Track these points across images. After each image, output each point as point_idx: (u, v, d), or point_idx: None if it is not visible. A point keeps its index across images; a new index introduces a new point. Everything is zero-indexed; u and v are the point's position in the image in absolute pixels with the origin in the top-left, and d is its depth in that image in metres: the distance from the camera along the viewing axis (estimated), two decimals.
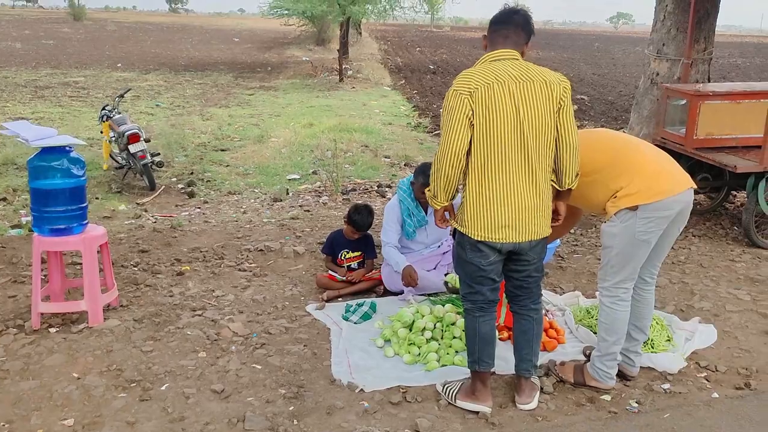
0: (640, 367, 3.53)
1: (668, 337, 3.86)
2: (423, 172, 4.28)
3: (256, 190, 7.73)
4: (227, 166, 8.76)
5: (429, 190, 3.15)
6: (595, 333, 3.86)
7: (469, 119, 2.92)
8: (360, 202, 4.99)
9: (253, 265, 5.03)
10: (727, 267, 5.09)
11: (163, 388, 3.34)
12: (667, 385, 3.45)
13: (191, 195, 7.35)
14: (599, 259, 5.13)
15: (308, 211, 6.79)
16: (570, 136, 3.04)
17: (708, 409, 3.25)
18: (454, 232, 3.22)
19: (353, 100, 15.32)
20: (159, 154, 8.11)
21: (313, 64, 21.58)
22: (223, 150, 9.68)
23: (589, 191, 3.25)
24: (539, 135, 2.97)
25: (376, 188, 7.85)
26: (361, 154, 9.57)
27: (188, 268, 4.94)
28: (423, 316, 3.91)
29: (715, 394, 3.37)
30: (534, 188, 3.01)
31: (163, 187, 7.58)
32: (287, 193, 7.53)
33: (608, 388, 3.38)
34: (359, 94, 16.63)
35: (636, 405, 3.28)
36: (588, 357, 3.69)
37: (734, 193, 6.59)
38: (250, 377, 3.46)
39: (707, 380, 3.52)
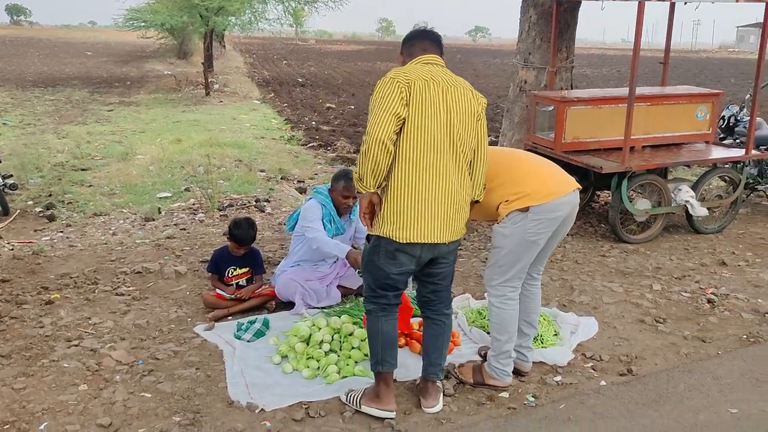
0: (533, 362, 3.65)
1: (555, 331, 4.02)
2: (344, 176, 4.33)
3: (125, 211, 7.28)
4: (90, 186, 8.21)
5: (355, 173, 3.02)
6: (488, 333, 3.95)
7: (404, 107, 2.89)
8: (240, 216, 4.83)
9: (131, 288, 4.72)
10: (600, 262, 5.40)
11: (42, 427, 3.05)
12: (558, 378, 3.59)
13: (51, 218, 6.81)
14: (484, 262, 5.33)
15: (184, 229, 6.50)
16: (485, 148, 3.16)
17: (598, 396, 3.41)
18: (368, 237, 3.16)
19: (222, 115, 14.93)
20: (11, 175, 7.45)
21: (177, 77, 20.85)
22: (84, 169, 9.06)
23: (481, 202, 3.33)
24: (465, 139, 3.04)
25: (254, 203, 7.66)
26: (235, 169, 9.31)
27: (58, 295, 4.55)
28: (320, 328, 3.83)
29: (603, 382, 3.55)
30: (462, 189, 3.06)
31: (18, 211, 6.97)
32: (159, 212, 7.17)
33: (506, 385, 3.47)
34: (228, 108, 16.23)
35: (533, 399, 3.38)
36: (484, 357, 3.77)
37: (598, 193, 7.02)
38: (139, 407, 3.23)
39: (594, 370, 3.70)
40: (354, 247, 4.45)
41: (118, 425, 3.08)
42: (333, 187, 4.49)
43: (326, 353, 3.68)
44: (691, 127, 6.40)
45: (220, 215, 7.05)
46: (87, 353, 3.74)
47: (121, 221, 6.84)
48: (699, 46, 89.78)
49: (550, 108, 6.06)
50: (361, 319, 3.98)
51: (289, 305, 4.41)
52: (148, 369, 3.58)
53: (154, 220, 6.91)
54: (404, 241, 2.97)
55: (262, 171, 9.36)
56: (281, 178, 9.00)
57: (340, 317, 3.96)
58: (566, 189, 3.25)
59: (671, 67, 6.99)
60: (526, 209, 3.17)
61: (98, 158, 9.86)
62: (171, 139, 11.44)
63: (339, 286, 4.55)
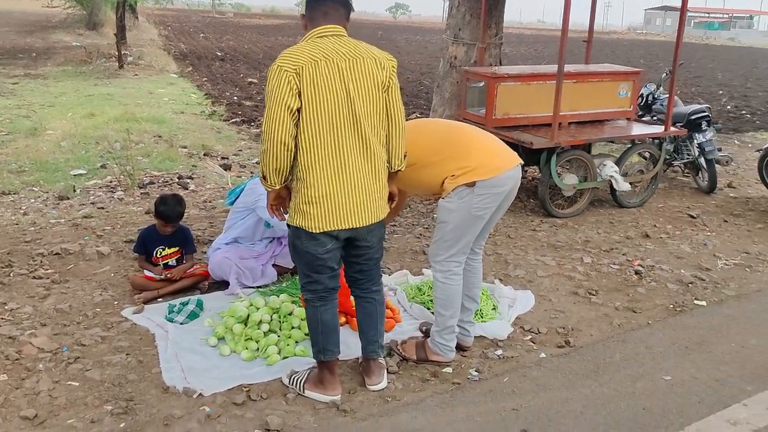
0: (473, 336, 3.66)
1: (494, 305, 4.05)
2: None
3: (36, 189, 6.85)
4: None
5: (259, 171, 2.93)
6: (428, 309, 3.96)
7: (295, 98, 2.75)
8: (167, 192, 4.57)
9: (49, 271, 4.43)
10: (531, 236, 5.48)
11: None
12: (499, 351, 3.61)
13: None
14: (418, 238, 5.32)
15: (102, 208, 6.17)
16: (399, 116, 3.00)
17: (539, 368, 3.45)
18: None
19: (138, 89, 14.29)
20: None
21: (87, 49, 19.77)
22: None
23: (423, 176, 3.27)
24: (371, 114, 2.88)
25: (177, 180, 7.38)
26: (154, 145, 8.93)
27: None
28: (258, 308, 3.71)
29: (543, 354, 3.60)
30: (372, 169, 2.92)
31: None
32: (74, 191, 6.79)
33: (449, 360, 3.46)
34: (143, 81, 15.55)
35: (476, 373, 3.39)
36: (425, 333, 3.76)
37: (526, 168, 7.12)
38: (66, 397, 3.03)
39: (533, 342, 3.74)
40: None
41: (44, 416, 2.88)
42: None
43: (265, 334, 3.57)
44: (613, 104, 6.57)
45: (141, 193, 6.75)
46: (5, 341, 3.48)
47: (32, 200, 6.44)
48: (609, 28, 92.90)
49: (481, 84, 6.07)
50: (299, 297, 3.88)
51: (222, 285, 4.25)
52: (73, 356, 3.36)
53: (68, 198, 6.54)
54: (317, 231, 2.88)
55: (183, 147, 9.01)
56: (204, 155, 8.70)
57: (278, 296, 3.85)
58: (511, 164, 3.24)
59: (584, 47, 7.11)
60: (472, 184, 3.13)
61: (3, 133, 9.23)
62: (83, 113, 10.86)
63: (275, 265, 4.42)
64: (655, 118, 7.40)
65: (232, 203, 4.50)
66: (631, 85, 6.57)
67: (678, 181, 7.56)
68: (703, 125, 6.79)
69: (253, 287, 4.21)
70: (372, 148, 2.90)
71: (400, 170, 3.11)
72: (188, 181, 7.33)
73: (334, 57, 2.81)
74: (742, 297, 4.41)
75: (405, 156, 3.11)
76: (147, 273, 4.18)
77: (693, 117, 6.80)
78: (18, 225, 5.50)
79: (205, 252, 4.72)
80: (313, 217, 2.87)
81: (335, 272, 3.06)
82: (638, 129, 6.49)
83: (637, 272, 4.73)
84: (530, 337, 3.80)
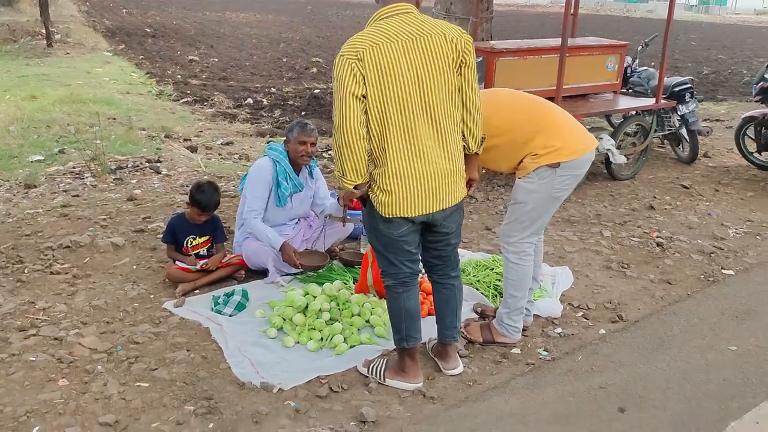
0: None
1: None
2: (297, 124, 4.05)
3: None
4: None
5: (336, 170, 2.80)
6: (477, 290, 3.91)
7: (361, 84, 2.63)
8: (204, 179, 4.26)
9: (66, 265, 4.12)
10: None
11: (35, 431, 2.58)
12: (558, 329, 3.60)
13: None
14: None
15: (78, 196, 5.81)
16: (474, 96, 2.86)
17: (607, 345, 3.46)
18: (363, 202, 2.94)
19: (74, 68, 13.50)
20: None
21: (10, 27, 18.52)
22: None
23: (500, 153, 3.17)
24: (443, 95, 2.75)
25: (148, 164, 7.02)
26: (110, 128, 8.47)
27: None
28: (315, 297, 3.56)
29: (602, 331, 3.61)
30: (444, 152, 2.79)
31: None
32: (40, 178, 6.36)
33: (515, 341, 3.43)
34: (77, 60, 14.69)
35: (546, 353, 3.37)
36: (480, 314, 3.71)
37: None
38: (141, 399, 2.84)
39: (586, 318, 3.75)
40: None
41: (126, 422, 2.68)
42: (288, 138, 4.12)
43: (327, 323, 3.43)
44: (602, 78, 6.64)
45: (114, 179, 6.39)
46: (51, 343, 3.22)
47: None
48: (533, 1, 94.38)
49: (479, 59, 6.00)
50: (350, 283, 3.77)
51: (257, 274, 4.07)
52: (132, 355, 3.14)
53: (36, 186, 6.13)
54: (387, 215, 2.80)
55: (142, 129, 8.59)
56: (165, 137, 8.32)
57: (333, 283, 3.71)
58: (591, 145, 3.19)
59: (515, 20, 7.15)
60: (556, 165, 3.06)
61: None
62: (23, 95, 10.17)
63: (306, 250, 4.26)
64: (630, 90, 7.53)
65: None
66: (618, 58, 6.67)
67: (656, 152, 7.74)
68: (686, 97, 6.96)
69: (291, 274, 4.05)
70: (444, 130, 2.78)
71: (477, 154, 3.01)
72: (158, 164, 7.01)
73: (400, 37, 2.68)
74: (765, 264, 4.55)
75: (483, 139, 2.99)
76: (180, 264, 3.94)
77: (677, 89, 6.96)
78: None
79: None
80: (387, 203, 2.77)
81: (414, 256, 2.96)
82: (631, 102, 6.59)
83: (658, 244, 4.81)
84: (581, 313, 3.80)
